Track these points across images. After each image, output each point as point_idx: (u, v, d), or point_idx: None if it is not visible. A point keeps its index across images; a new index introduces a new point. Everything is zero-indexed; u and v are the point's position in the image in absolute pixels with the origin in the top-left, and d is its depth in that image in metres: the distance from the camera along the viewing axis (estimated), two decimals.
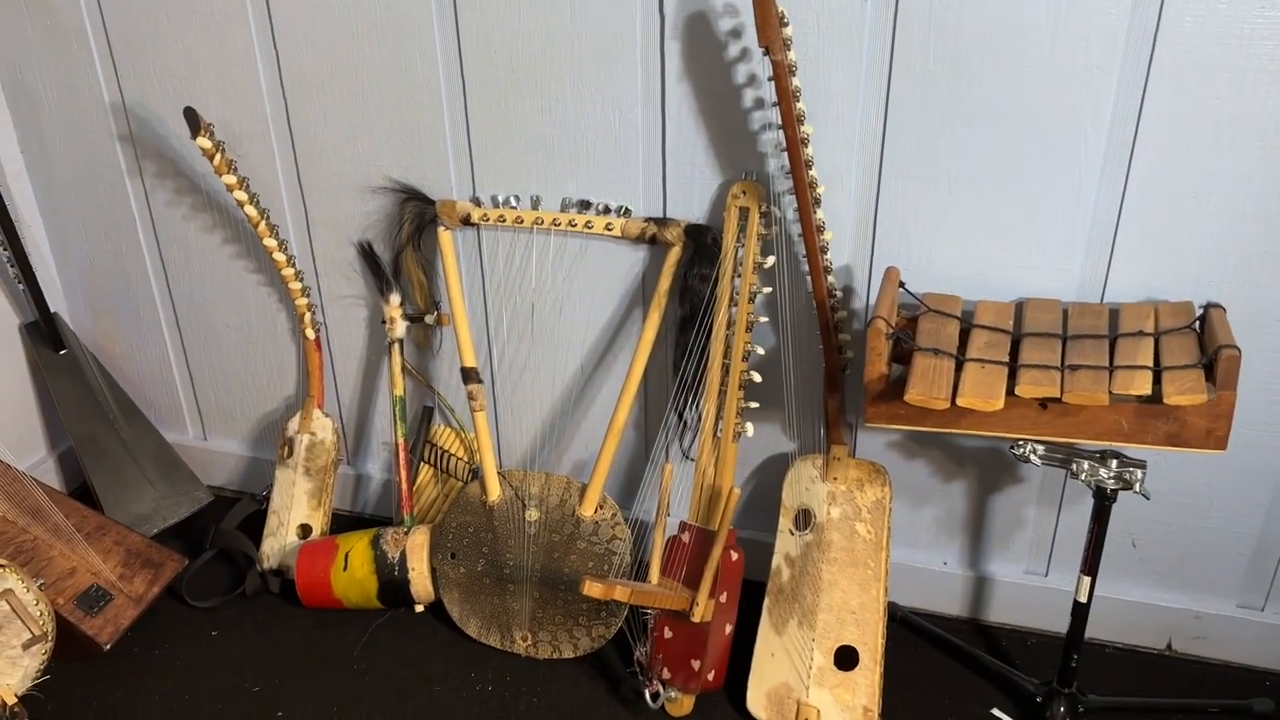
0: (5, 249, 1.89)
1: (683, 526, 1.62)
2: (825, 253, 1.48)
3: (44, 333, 2.03)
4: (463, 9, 1.57)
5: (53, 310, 2.03)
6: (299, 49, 1.68)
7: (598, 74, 1.55)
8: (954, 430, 1.32)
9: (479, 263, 1.77)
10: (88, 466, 2.00)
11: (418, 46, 1.62)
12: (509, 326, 1.81)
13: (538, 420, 1.89)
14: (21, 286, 1.95)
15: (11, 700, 1.52)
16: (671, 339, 1.69)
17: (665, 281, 1.63)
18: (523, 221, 1.69)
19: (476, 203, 1.72)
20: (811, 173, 1.42)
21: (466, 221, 1.71)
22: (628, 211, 1.64)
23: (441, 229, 1.72)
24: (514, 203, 1.70)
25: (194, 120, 1.61)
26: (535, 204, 1.69)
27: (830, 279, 1.51)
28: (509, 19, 1.55)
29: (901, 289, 1.50)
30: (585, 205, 1.66)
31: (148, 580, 1.80)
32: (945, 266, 1.52)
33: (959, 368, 1.33)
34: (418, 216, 1.73)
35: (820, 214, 1.46)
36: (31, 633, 1.55)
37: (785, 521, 1.62)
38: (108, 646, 1.68)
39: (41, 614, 1.57)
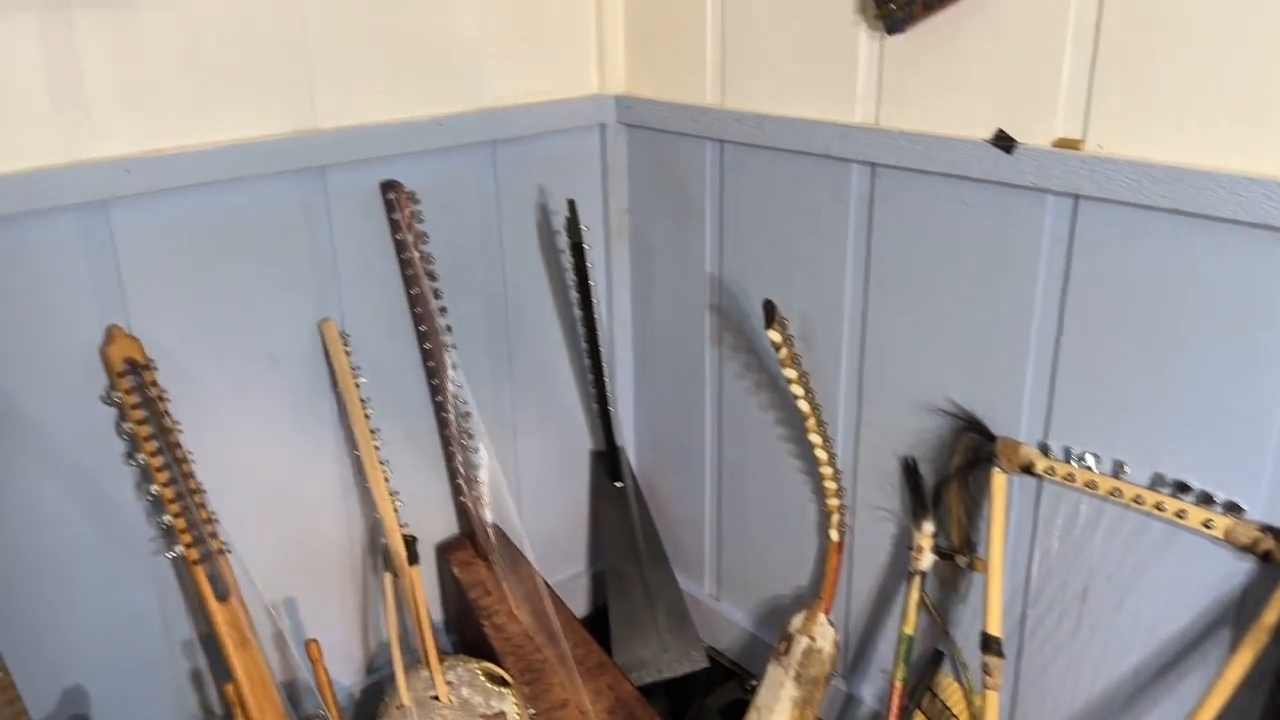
0: (593, 386, 2.09)
1: None
2: None
3: (607, 463, 2.20)
4: (1078, 253, 1.38)
5: (619, 444, 2.20)
6: (891, 258, 1.62)
7: (1241, 344, 1.25)
8: None
9: (1033, 518, 1.54)
10: (610, 597, 2.11)
11: (1019, 275, 1.46)
12: (1052, 599, 1.54)
13: (1063, 713, 1.57)
14: (599, 419, 2.14)
15: None
16: (1266, 686, 1.29)
17: (1272, 615, 1.25)
18: (1095, 487, 1.42)
19: (1044, 451, 1.50)
20: None
21: (1027, 469, 1.50)
22: (1237, 509, 1.30)
23: (996, 470, 1.53)
24: (1090, 462, 1.44)
25: (770, 312, 1.62)
26: (1116, 470, 1.42)
27: None
28: (1131, 265, 1.33)
29: None
30: (1183, 488, 1.35)
31: None
32: None
33: None
34: (972, 451, 1.56)
35: None
36: None
37: None
38: None
39: None
